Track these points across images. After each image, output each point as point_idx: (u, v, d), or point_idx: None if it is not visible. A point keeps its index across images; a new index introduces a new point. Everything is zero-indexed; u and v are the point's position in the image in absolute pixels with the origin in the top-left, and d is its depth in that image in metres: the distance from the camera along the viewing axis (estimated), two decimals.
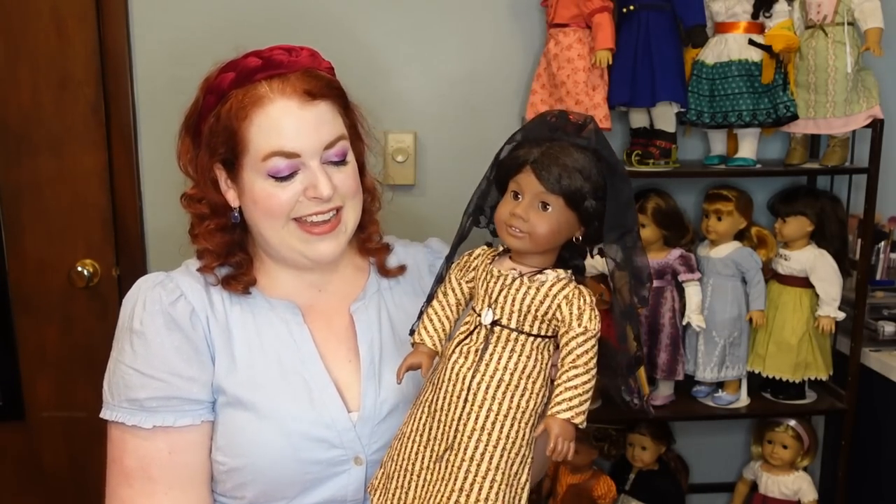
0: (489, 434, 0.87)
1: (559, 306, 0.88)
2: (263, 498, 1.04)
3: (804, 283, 1.92)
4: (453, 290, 0.98)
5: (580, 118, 0.92)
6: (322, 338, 1.09)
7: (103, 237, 1.92)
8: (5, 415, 1.96)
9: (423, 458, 0.92)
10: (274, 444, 1.01)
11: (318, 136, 1.01)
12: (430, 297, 1.01)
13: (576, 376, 0.85)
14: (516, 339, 0.90)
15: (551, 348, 0.93)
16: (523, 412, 0.88)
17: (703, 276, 1.93)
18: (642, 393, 1.89)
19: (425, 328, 0.97)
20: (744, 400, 1.99)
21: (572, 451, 0.85)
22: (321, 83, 1.03)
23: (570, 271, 0.92)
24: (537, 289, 0.89)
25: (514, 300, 0.89)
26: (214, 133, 1.03)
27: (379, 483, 0.98)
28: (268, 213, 1.03)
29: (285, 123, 1.00)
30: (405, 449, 0.95)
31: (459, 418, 0.89)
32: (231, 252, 1.09)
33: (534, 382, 0.89)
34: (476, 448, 0.87)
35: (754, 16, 1.82)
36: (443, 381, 0.92)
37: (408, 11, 1.92)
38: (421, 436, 0.93)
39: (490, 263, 0.95)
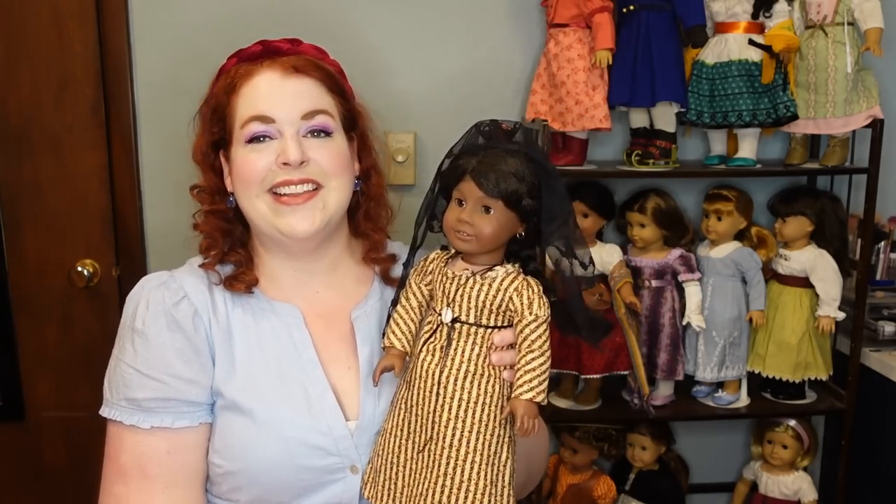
0: (463, 421, 0.95)
1: (511, 298, 0.96)
2: (258, 502, 1.04)
3: (804, 283, 1.93)
4: (414, 294, 1.04)
5: (510, 125, 1.01)
6: (322, 342, 1.09)
7: (103, 237, 1.92)
8: (5, 415, 1.96)
9: (406, 451, 1.00)
10: (270, 450, 1.01)
11: (296, 105, 1.04)
12: (395, 302, 1.06)
13: (532, 360, 0.94)
14: (476, 332, 0.97)
15: None
16: (491, 396, 0.96)
17: (703, 276, 1.93)
18: (642, 393, 1.89)
19: (393, 332, 1.03)
20: (744, 400, 1.99)
21: (538, 428, 0.94)
22: (308, 63, 1.06)
23: (517, 265, 1.00)
24: (489, 284, 0.97)
25: (469, 298, 0.97)
26: (212, 111, 1.07)
27: (368, 477, 1.04)
28: (244, 182, 1.05)
29: (264, 90, 1.04)
30: (388, 444, 1.02)
31: (434, 411, 0.96)
32: (231, 246, 1.10)
33: (497, 368, 0.97)
34: (454, 435, 0.95)
35: (754, 16, 1.82)
36: (415, 379, 0.99)
37: (408, 11, 1.92)
38: (401, 430, 1.00)
39: (444, 266, 1.02)
